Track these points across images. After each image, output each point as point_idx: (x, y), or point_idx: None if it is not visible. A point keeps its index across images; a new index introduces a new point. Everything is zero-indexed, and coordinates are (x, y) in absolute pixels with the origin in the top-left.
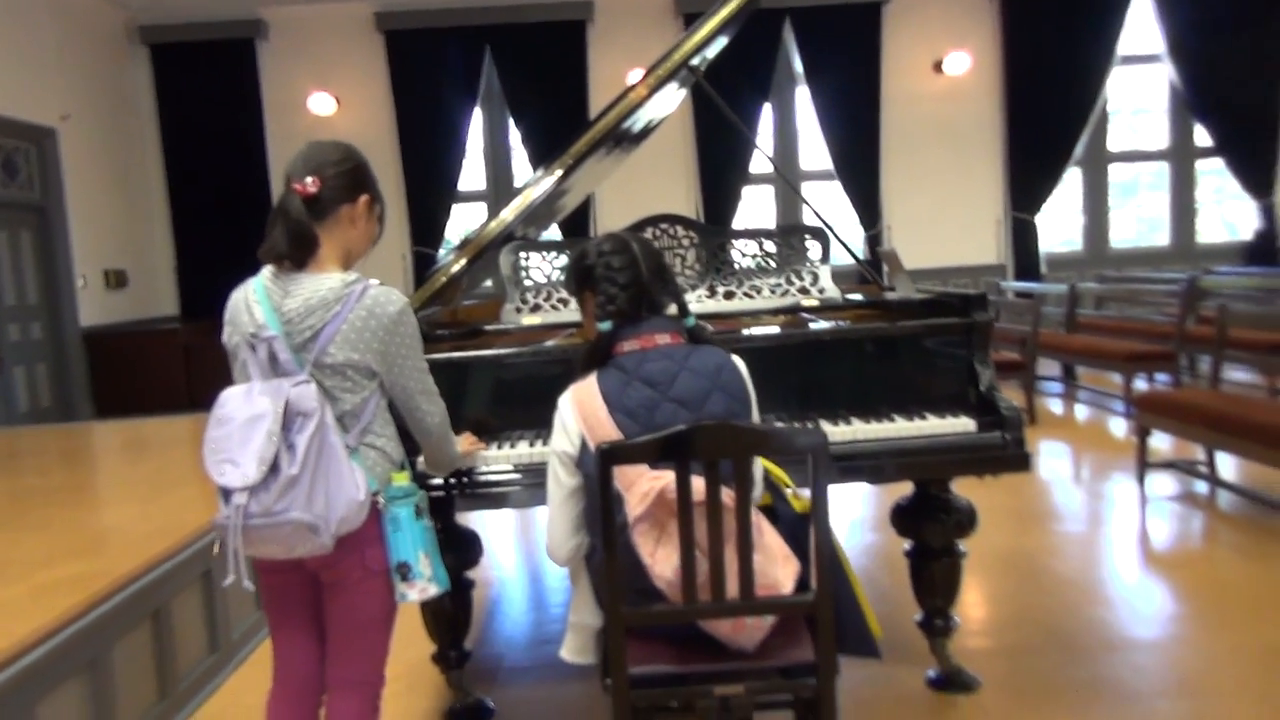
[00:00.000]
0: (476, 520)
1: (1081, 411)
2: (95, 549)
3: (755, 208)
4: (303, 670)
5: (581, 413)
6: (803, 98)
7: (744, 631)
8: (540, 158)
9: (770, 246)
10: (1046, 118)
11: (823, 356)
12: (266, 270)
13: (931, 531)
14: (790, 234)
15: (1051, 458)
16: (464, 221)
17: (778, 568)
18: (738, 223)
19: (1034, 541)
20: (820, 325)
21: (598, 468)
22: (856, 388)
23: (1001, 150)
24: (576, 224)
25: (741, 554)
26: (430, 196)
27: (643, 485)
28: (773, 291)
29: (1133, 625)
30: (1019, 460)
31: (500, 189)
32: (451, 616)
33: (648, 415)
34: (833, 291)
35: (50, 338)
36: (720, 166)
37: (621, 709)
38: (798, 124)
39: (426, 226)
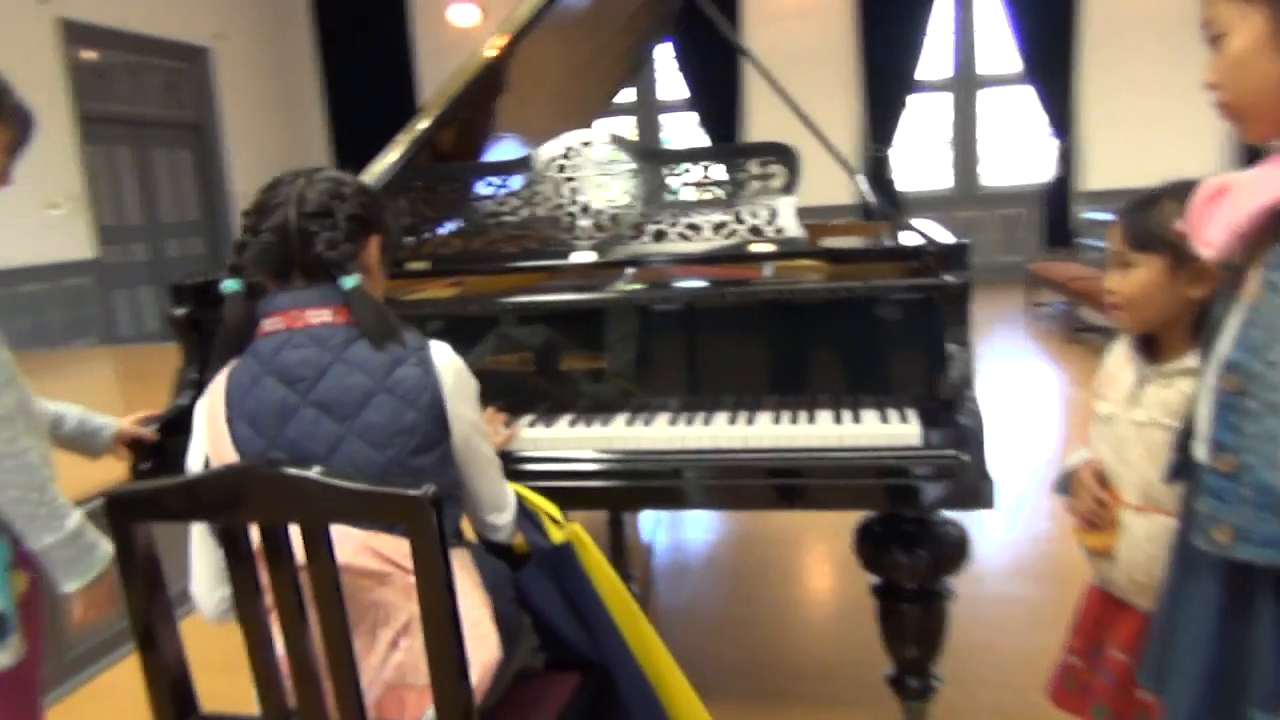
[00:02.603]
0: None
1: None
2: None
3: (926, 118)
4: None
5: (209, 419)
6: None
7: None
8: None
9: (722, 172)
10: None
11: (728, 326)
12: None
13: (899, 568)
14: (748, 155)
15: None
16: None
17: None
18: (901, 136)
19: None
20: (693, 283)
21: (110, 528)
22: (779, 370)
23: None
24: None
25: (332, 659)
26: None
27: None
28: (715, 231)
29: None
30: (972, 493)
31: (646, 105)
32: None
33: (276, 426)
34: (794, 231)
35: (211, 254)
36: (884, 73)
37: None
38: (977, 20)
39: None
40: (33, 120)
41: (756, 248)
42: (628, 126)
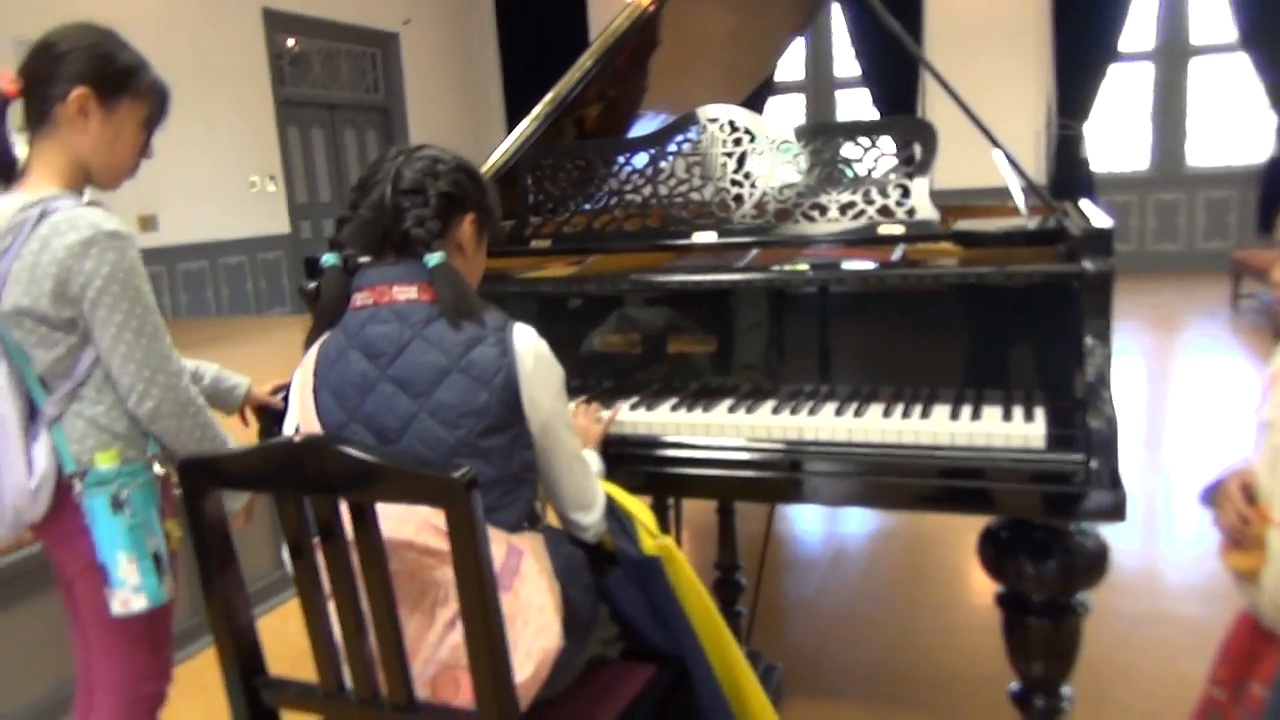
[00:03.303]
0: None
1: None
2: None
3: (1123, 92)
4: (82, 661)
5: (300, 389)
6: None
7: None
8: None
9: (852, 149)
10: None
11: (849, 311)
12: None
13: (1025, 578)
14: (881, 131)
15: None
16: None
17: (518, 641)
18: (1098, 110)
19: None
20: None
21: (183, 490)
22: (900, 359)
23: None
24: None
25: (379, 634)
26: None
27: None
28: (842, 212)
29: None
30: (1104, 507)
31: (818, 82)
32: None
33: (356, 399)
34: (926, 212)
35: None
36: (1080, 42)
37: None
38: None
39: None
40: (169, 96)
41: (885, 229)
42: (797, 105)
